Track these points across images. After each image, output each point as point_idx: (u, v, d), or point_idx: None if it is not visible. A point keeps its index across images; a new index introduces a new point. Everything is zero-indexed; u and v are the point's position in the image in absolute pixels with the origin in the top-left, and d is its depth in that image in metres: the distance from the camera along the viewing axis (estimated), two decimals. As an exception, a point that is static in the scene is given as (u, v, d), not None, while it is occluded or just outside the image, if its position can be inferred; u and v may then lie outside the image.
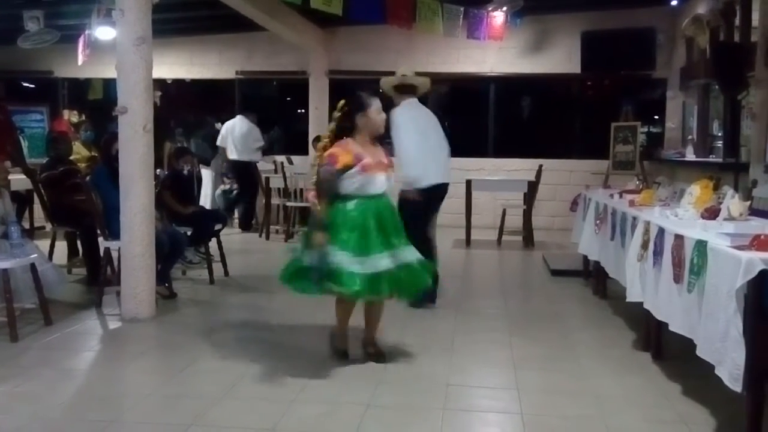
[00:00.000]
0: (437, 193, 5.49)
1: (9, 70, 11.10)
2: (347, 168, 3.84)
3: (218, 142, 10.06)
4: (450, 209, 8.96)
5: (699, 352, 3.21)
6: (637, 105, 9.67)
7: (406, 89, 5.51)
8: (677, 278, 3.55)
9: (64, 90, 11.60)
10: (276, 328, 4.90)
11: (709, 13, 8.05)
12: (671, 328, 3.64)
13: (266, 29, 9.38)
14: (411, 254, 3.99)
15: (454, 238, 8.86)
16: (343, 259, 3.76)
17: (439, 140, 5.62)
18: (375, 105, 4.00)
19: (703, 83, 8.67)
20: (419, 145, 5.31)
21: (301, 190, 8.78)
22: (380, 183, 3.95)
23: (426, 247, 5.04)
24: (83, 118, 10.04)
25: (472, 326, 4.95)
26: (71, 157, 7.06)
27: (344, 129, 3.99)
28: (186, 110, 11.99)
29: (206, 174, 9.53)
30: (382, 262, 3.82)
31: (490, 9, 8.54)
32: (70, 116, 9.77)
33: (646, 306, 4.07)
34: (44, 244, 6.29)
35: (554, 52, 10.42)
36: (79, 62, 9.27)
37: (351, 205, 3.87)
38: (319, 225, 3.84)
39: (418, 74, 5.69)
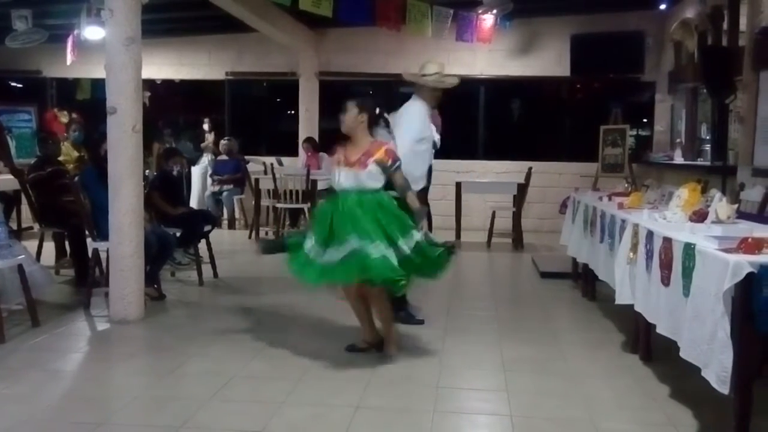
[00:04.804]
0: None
1: (-3, 69, 11.04)
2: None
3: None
4: (440, 211, 9.05)
5: (682, 354, 3.23)
6: (626, 108, 9.72)
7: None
8: (664, 280, 3.57)
9: (52, 90, 11.54)
10: (265, 330, 4.88)
11: (697, 17, 8.11)
12: (658, 330, 3.66)
13: (256, 30, 9.36)
14: (376, 249, 3.96)
15: (443, 240, 8.84)
16: (311, 248, 4.10)
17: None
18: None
19: (691, 87, 8.75)
20: None
21: (291, 191, 8.78)
22: (341, 178, 4.17)
23: None
24: (73, 116, 9.97)
25: (461, 328, 4.95)
26: (59, 158, 7.01)
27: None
28: (175, 111, 11.94)
29: (195, 173, 9.51)
30: (336, 254, 4.01)
31: (479, 11, 8.56)
32: (61, 116, 9.68)
33: (637, 308, 4.09)
34: (32, 245, 6.25)
35: (544, 55, 10.47)
36: (68, 62, 9.22)
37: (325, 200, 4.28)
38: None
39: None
